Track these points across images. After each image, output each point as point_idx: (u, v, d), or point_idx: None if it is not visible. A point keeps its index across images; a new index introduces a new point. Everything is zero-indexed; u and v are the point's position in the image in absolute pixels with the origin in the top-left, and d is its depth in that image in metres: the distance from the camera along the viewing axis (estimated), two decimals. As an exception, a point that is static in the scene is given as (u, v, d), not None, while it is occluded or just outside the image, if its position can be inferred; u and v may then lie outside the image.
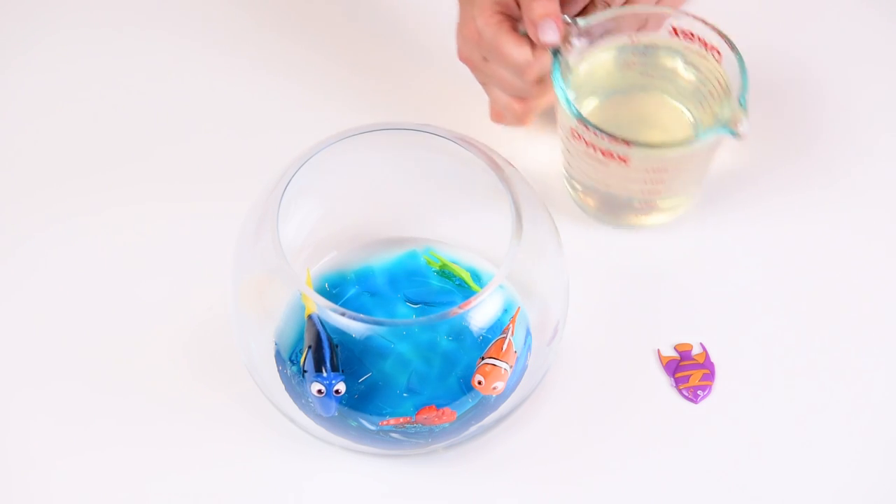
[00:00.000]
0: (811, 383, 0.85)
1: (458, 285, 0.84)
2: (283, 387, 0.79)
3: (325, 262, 0.85)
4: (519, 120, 0.89)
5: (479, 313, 0.76)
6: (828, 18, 1.03)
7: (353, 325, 0.74)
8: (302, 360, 0.76)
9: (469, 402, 0.78)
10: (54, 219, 0.91)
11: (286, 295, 0.79)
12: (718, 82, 0.87)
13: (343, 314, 0.73)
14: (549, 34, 0.83)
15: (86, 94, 0.97)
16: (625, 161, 0.84)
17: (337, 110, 0.96)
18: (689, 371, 0.85)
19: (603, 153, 0.84)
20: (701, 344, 0.86)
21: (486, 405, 0.78)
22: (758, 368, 0.85)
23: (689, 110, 0.90)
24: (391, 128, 0.80)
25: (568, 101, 0.84)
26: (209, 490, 0.81)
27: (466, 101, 0.98)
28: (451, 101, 0.97)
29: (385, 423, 0.77)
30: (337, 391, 0.75)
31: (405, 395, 0.78)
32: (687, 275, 0.89)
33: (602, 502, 0.81)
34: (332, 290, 0.84)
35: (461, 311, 0.74)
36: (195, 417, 0.83)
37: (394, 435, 0.78)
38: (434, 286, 0.84)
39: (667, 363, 0.85)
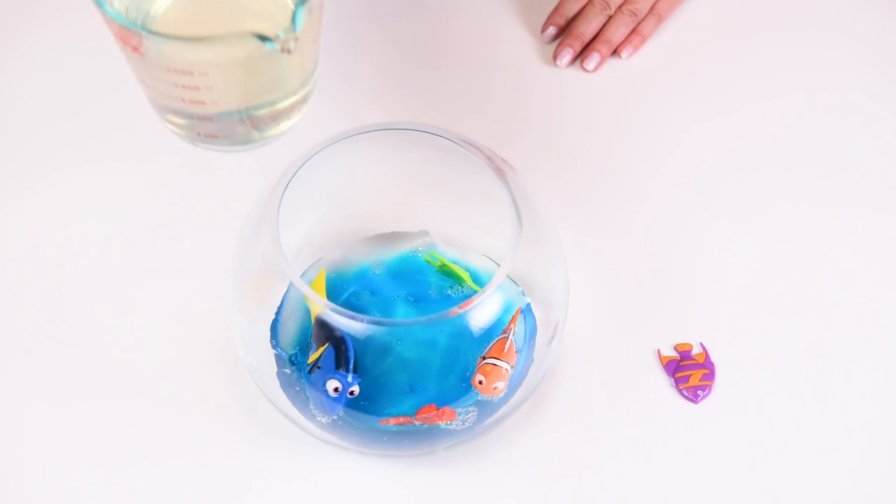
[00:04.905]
0: (811, 383, 0.85)
1: (458, 285, 0.84)
2: (282, 387, 0.79)
3: (325, 262, 0.85)
4: None
5: (479, 313, 0.76)
6: (827, 19, 1.03)
7: (353, 325, 0.74)
8: (312, 357, 0.76)
9: (469, 401, 0.78)
10: (54, 218, 0.91)
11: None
12: None
13: (343, 314, 0.73)
14: None
15: (85, 93, 0.97)
16: (138, 51, 0.69)
17: (337, 110, 0.96)
18: (689, 371, 0.85)
19: (117, 35, 0.69)
20: (701, 344, 0.86)
21: (486, 405, 0.78)
22: (758, 368, 0.85)
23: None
24: (391, 128, 0.80)
25: None
26: (208, 490, 0.81)
27: (466, 102, 0.98)
28: (451, 101, 0.97)
29: (385, 422, 0.77)
30: (351, 392, 0.75)
31: (405, 394, 0.78)
32: (687, 275, 0.89)
33: (602, 502, 0.81)
34: (331, 288, 0.84)
35: (461, 311, 0.74)
36: (195, 417, 0.83)
37: (394, 435, 0.78)
38: (434, 286, 0.84)
39: (667, 363, 0.85)
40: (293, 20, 0.71)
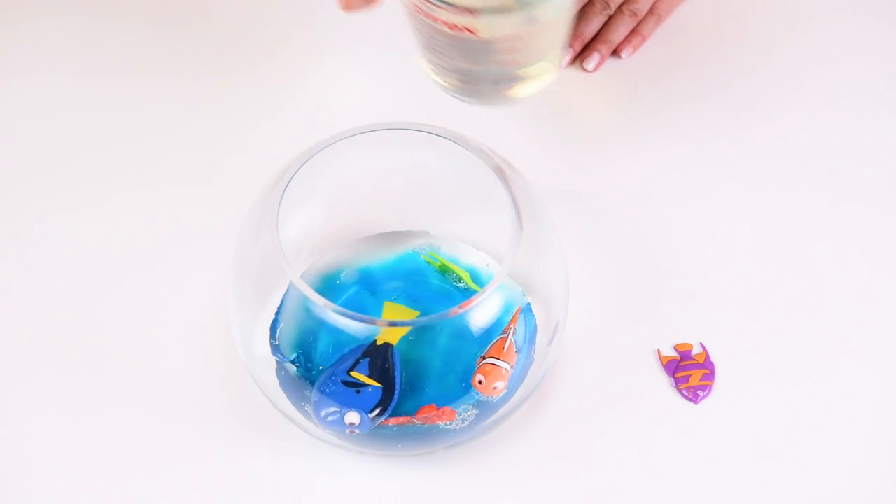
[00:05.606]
0: (811, 383, 0.85)
1: (457, 285, 0.84)
2: (282, 386, 0.79)
3: (325, 262, 0.85)
4: (366, 1, 0.80)
5: (479, 313, 0.76)
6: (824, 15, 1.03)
7: (353, 325, 0.74)
8: (357, 375, 0.76)
9: (469, 401, 0.78)
10: (54, 217, 0.91)
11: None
12: None
13: (343, 314, 0.73)
14: None
15: (85, 92, 0.97)
16: (473, 32, 0.76)
17: (337, 110, 0.96)
18: (689, 371, 0.85)
19: (449, 26, 0.76)
20: (701, 344, 0.86)
21: (486, 405, 0.78)
22: (758, 368, 0.85)
23: None
24: (391, 128, 0.80)
25: None
26: (207, 489, 0.81)
27: (466, 101, 0.98)
28: (450, 101, 0.97)
29: (385, 422, 0.77)
30: (352, 432, 0.76)
31: (405, 394, 0.78)
32: (687, 275, 0.89)
33: (602, 502, 0.81)
34: (330, 288, 0.84)
35: (461, 310, 0.74)
36: (194, 417, 0.83)
37: (394, 435, 0.78)
38: (434, 286, 0.84)
39: (667, 363, 0.85)
40: None
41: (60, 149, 0.95)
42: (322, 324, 0.77)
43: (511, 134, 0.95)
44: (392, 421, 0.77)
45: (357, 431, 0.76)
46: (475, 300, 0.74)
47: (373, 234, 0.86)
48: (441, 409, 0.77)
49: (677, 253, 0.90)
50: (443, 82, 0.84)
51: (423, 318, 0.78)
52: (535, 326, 0.81)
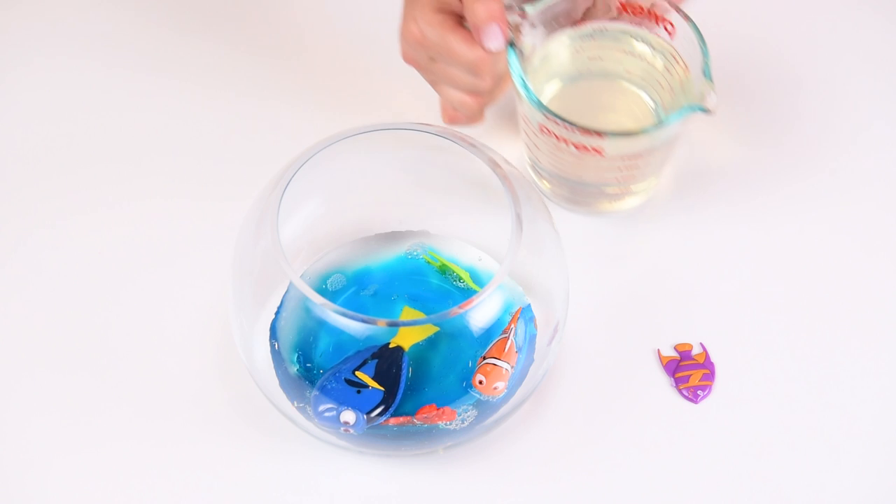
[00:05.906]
0: (811, 383, 0.85)
1: (457, 285, 0.84)
2: (282, 386, 0.79)
3: (325, 262, 0.85)
4: (474, 117, 0.85)
5: (479, 313, 0.76)
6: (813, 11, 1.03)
7: (352, 325, 0.74)
8: (361, 376, 0.76)
9: (469, 401, 0.78)
10: (54, 216, 0.91)
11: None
12: (675, 58, 0.85)
13: (343, 314, 0.73)
14: (493, 41, 0.79)
15: (86, 93, 0.97)
16: (599, 152, 0.82)
17: (336, 110, 0.96)
18: (689, 371, 0.85)
19: (576, 147, 0.82)
20: (701, 344, 0.86)
21: (486, 405, 0.78)
22: (758, 368, 0.85)
23: (647, 93, 0.89)
24: (391, 128, 0.80)
25: (534, 97, 0.82)
26: (208, 490, 0.81)
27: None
28: (450, 101, 0.97)
29: (385, 422, 0.77)
30: (346, 430, 0.76)
31: (405, 394, 0.78)
32: (687, 275, 0.89)
33: (602, 502, 0.81)
34: (331, 289, 0.84)
35: (461, 310, 0.74)
36: (194, 417, 0.83)
37: (394, 435, 0.78)
38: (434, 286, 0.84)
39: (667, 363, 0.85)
40: (705, 75, 0.81)
41: (59, 149, 0.95)
42: (322, 324, 0.77)
43: (511, 134, 0.95)
44: (392, 421, 0.77)
45: (352, 431, 0.76)
46: (475, 300, 0.74)
47: (372, 234, 0.86)
48: (441, 409, 0.77)
49: (677, 253, 0.90)
50: (553, 192, 0.90)
51: (423, 318, 0.78)
52: (535, 326, 0.81)
